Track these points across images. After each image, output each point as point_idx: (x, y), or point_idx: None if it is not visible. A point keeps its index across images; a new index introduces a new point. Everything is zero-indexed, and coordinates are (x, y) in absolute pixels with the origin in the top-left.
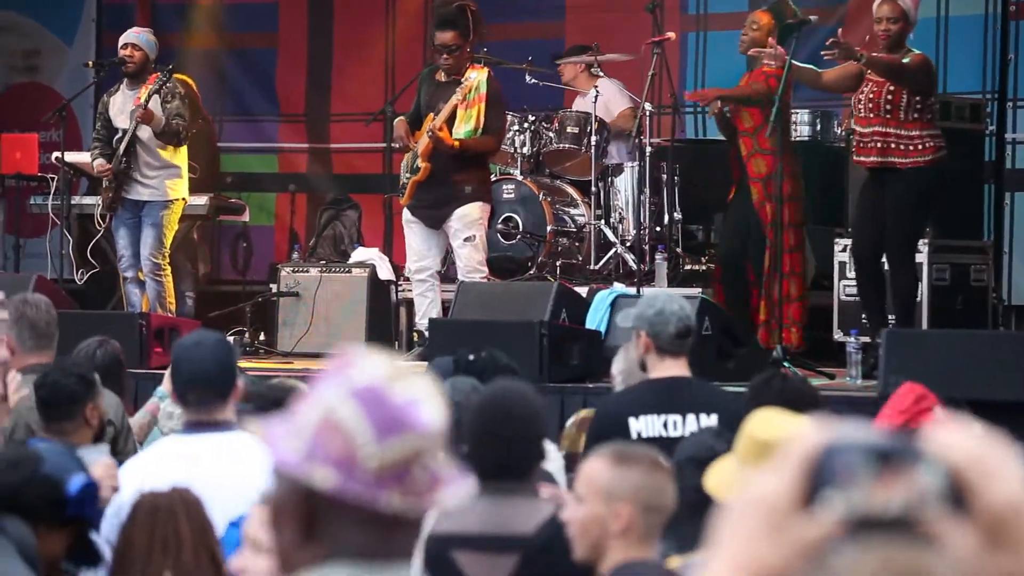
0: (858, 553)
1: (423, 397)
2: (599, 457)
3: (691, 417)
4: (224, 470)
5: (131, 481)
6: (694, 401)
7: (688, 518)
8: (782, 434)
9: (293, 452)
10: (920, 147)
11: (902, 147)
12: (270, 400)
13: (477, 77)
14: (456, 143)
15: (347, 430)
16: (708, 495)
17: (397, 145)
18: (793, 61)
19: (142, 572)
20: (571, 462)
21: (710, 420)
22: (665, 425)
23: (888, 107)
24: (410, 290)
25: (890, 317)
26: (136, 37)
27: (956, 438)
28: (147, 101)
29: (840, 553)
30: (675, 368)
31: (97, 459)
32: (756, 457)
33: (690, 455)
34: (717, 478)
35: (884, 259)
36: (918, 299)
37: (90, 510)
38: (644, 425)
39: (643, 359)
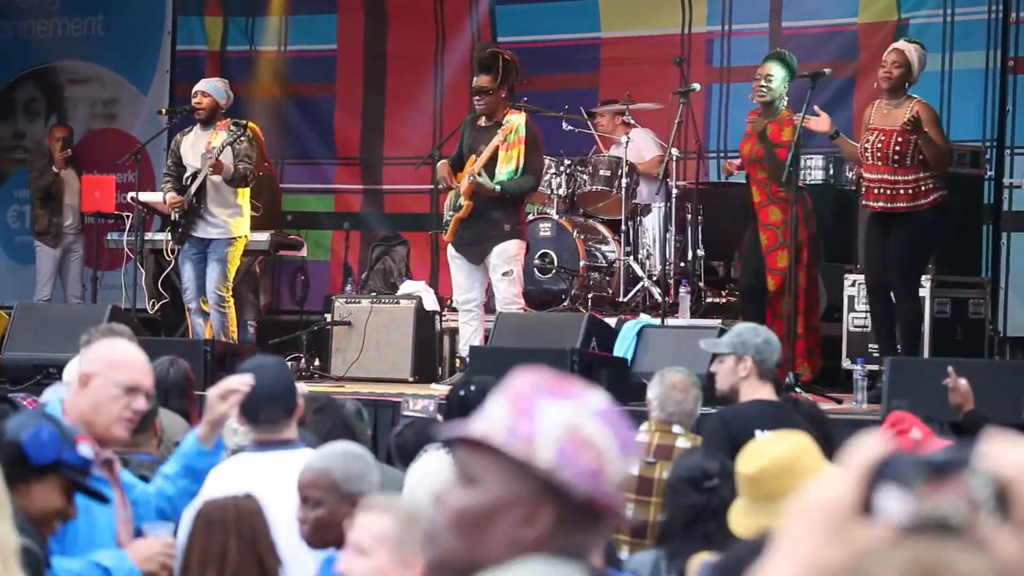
0: (896, 552)
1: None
2: None
3: None
4: (292, 487)
5: (206, 495)
6: (796, 423)
7: (681, 532)
8: (760, 467)
9: (543, 459)
10: (923, 189)
11: (909, 191)
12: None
13: (516, 120)
14: (496, 188)
15: (598, 445)
16: (699, 513)
17: (442, 186)
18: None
19: None
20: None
21: None
22: None
23: (896, 157)
24: (454, 320)
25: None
26: (206, 85)
27: (1004, 451)
28: (219, 152)
29: (883, 553)
30: (771, 393)
31: (159, 533)
32: (747, 488)
33: (681, 475)
34: (735, 518)
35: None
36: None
37: (53, 452)
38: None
39: (737, 383)
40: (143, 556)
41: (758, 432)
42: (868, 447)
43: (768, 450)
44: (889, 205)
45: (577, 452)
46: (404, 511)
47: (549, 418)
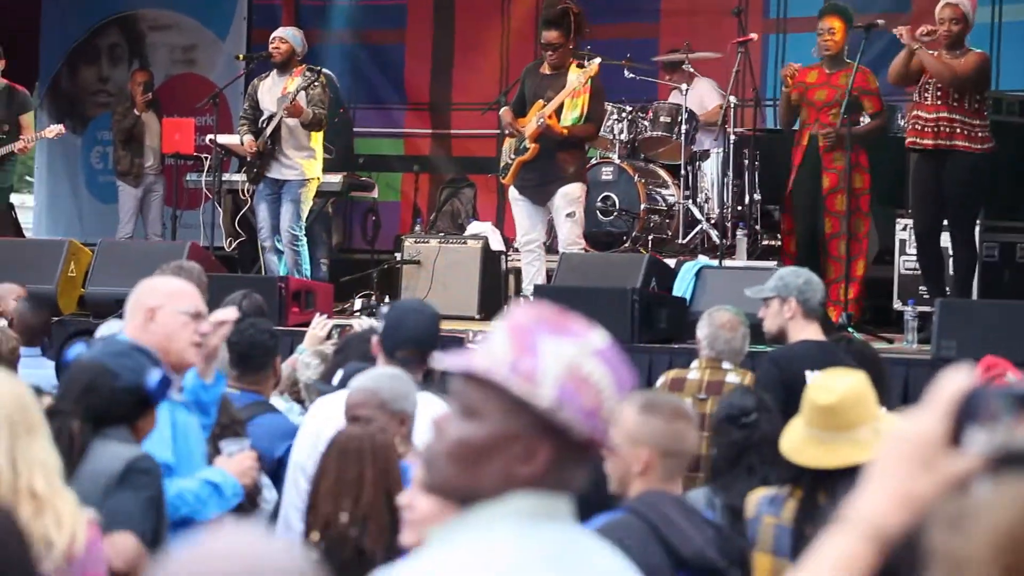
0: (995, 486)
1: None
2: (629, 405)
3: None
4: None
5: (328, 414)
6: (844, 362)
7: (726, 468)
8: (837, 398)
9: (544, 397)
10: (980, 134)
11: (967, 132)
12: None
13: (590, 69)
14: (564, 130)
15: (597, 384)
16: (742, 448)
17: (507, 132)
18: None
19: (331, 507)
20: None
21: None
22: None
23: (956, 95)
24: (518, 260)
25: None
26: (284, 32)
27: None
28: (295, 96)
29: (980, 486)
30: (818, 332)
31: (236, 450)
32: (820, 420)
33: (721, 415)
34: (789, 441)
35: (943, 236)
36: None
37: (168, 391)
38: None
39: (784, 324)
40: (239, 471)
41: (808, 372)
42: (955, 382)
43: (840, 383)
44: (947, 143)
45: (577, 391)
46: None
47: (551, 356)
